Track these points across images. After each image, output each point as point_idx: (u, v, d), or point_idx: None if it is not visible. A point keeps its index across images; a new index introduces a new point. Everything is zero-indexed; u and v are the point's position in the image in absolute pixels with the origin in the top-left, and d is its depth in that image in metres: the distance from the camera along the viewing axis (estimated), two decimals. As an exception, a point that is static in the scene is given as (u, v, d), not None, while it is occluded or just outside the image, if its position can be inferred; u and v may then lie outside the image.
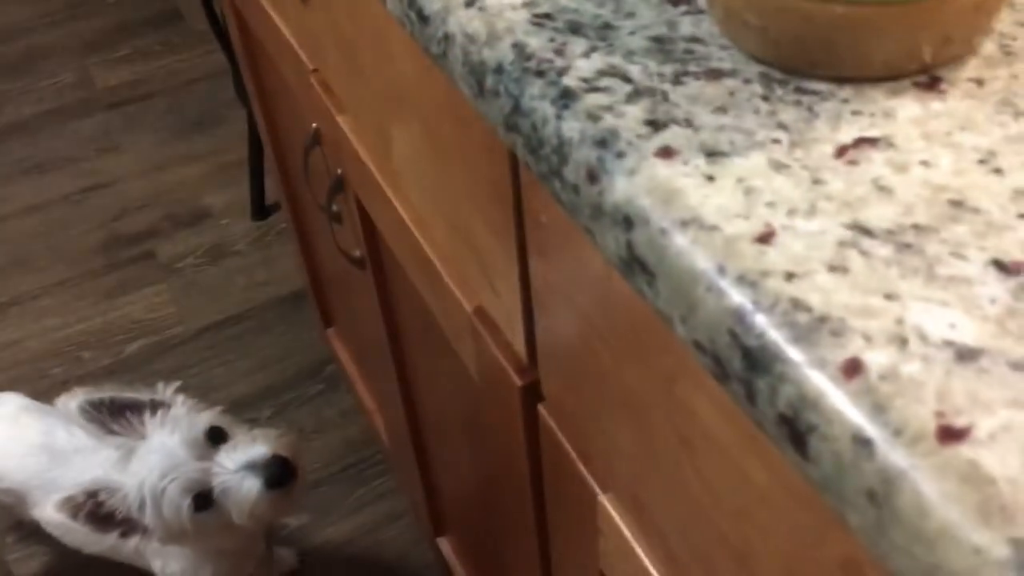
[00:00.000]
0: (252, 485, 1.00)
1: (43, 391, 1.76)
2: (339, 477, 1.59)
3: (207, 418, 1.05)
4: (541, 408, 0.62)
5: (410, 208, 0.74)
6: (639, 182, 0.36)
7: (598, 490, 0.56)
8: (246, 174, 2.05)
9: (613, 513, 0.55)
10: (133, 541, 1.04)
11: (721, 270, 0.33)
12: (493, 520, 0.92)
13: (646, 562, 0.52)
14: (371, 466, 1.61)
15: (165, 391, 1.09)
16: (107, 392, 1.05)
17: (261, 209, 2.09)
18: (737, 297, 0.32)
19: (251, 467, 1.00)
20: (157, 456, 1.00)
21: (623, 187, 0.36)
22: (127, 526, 1.02)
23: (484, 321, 0.66)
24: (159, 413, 1.05)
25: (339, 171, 0.91)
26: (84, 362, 1.83)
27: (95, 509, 1.00)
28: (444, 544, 1.29)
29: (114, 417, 1.05)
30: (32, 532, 1.40)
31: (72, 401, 1.04)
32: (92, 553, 1.24)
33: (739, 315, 0.32)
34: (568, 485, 0.61)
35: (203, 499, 1.00)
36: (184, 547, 1.15)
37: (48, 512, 0.99)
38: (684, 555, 0.48)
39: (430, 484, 1.21)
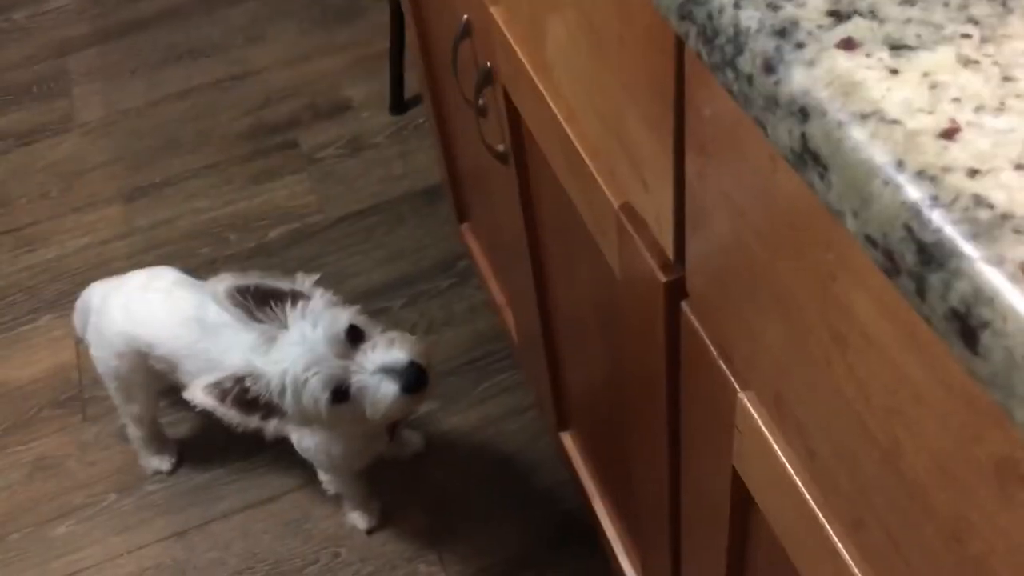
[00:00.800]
0: (389, 389, 1.05)
1: (193, 268, 1.87)
2: (466, 368, 1.65)
3: (348, 316, 1.09)
4: (684, 305, 0.62)
5: (561, 101, 0.75)
6: (818, 74, 0.35)
7: (738, 388, 0.57)
8: (386, 67, 2.08)
9: (752, 411, 0.56)
10: (273, 423, 1.11)
11: (900, 165, 0.32)
12: (621, 416, 0.95)
13: (783, 459, 0.53)
14: (497, 360, 1.66)
15: (305, 282, 1.14)
16: (252, 279, 1.10)
17: (399, 103, 2.12)
18: (915, 192, 0.32)
19: (388, 371, 1.05)
20: (300, 348, 1.05)
21: (801, 78, 0.36)
22: (268, 410, 1.09)
23: (631, 217, 0.67)
24: (300, 305, 1.09)
25: (488, 63, 0.92)
26: (230, 244, 1.92)
27: (241, 394, 1.06)
28: (567, 439, 1.32)
29: (258, 305, 1.10)
30: (182, 399, 1.50)
31: (220, 284, 1.09)
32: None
33: (916, 210, 0.31)
34: (706, 383, 0.62)
35: (340, 393, 1.06)
36: (318, 430, 1.24)
37: (197, 395, 1.05)
38: (825, 453, 0.49)
39: (557, 379, 1.24)
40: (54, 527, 1.53)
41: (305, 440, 1.30)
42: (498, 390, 1.62)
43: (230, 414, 1.06)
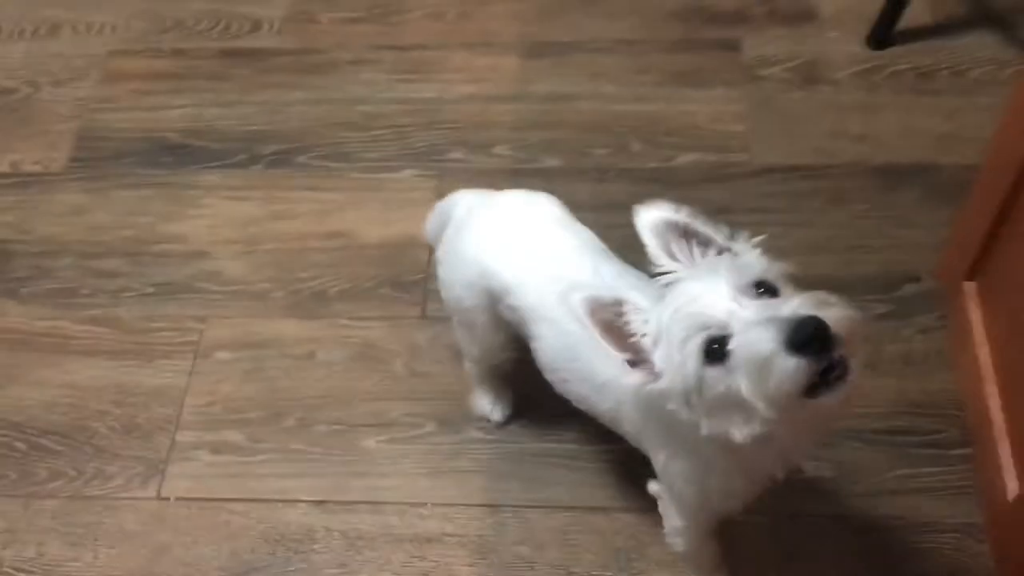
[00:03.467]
0: (765, 338, 0.75)
1: (579, 171, 1.57)
2: (880, 439, 1.28)
3: (760, 267, 0.83)
4: None
5: None
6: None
7: None
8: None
9: None
10: (637, 375, 0.86)
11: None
12: None
13: None
14: (929, 445, 1.27)
15: (742, 242, 0.88)
16: (685, 217, 0.88)
17: (883, 34, 1.66)
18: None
19: (773, 320, 0.75)
20: (690, 287, 0.83)
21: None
22: (636, 353, 0.86)
23: None
24: (718, 255, 0.87)
25: None
26: (631, 155, 1.59)
27: (613, 317, 0.86)
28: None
29: (678, 240, 0.88)
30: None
31: (651, 213, 0.87)
32: (581, 407, 1.10)
33: None
34: None
35: (715, 349, 0.79)
36: (691, 446, 0.96)
37: (573, 300, 0.85)
38: None
39: None
40: (363, 436, 1.35)
41: (674, 464, 1.02)
42: (919, 486, 1.25)
43: (595, 332, 0.86)
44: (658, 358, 0.84)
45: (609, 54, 1.72)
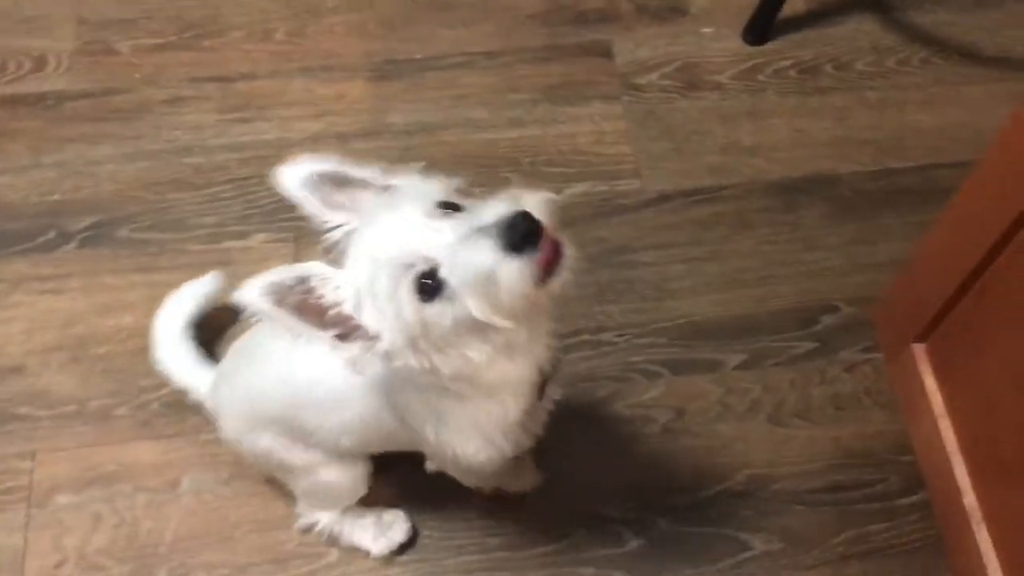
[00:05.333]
0: (480, 252, 0.71)
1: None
2: (821, 498, 1.20)
3: (436, 189, 0.78)
4: None
5: None
6: None
7: None
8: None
9: None
10: (352, 347, 0.77)
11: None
12: None
13: None
14: (876, 498, 1.20)
15: (401, 173, 0.82)
16: (335, 166, 0.80)
17: (761, 27, 1.53)
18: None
19: (480, 232, 0.72)
20: (373, 234, 0.77)
21: None
22: (341, 324, 0.77)
23: None
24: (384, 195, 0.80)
25: None
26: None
27: (303, 296, 0.76)
28: None
29: (336, 191, 0.80)
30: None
31: (293, 172, 0.79)
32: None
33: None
34: None
35: (428, 283, 0.74)
36: (441, 386, 0.85)
37: (249, 294, 0.73)
38: None
39: None
40: (255, 579, 1.15)
41: (441, 429, 0.90)
42: (868, 549, 1.18)
43: (289, 321, 0.75)
44: (368, 319, 0.76)
45: (470, 70, 1.52)
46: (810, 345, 1.30)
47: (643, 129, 1.47)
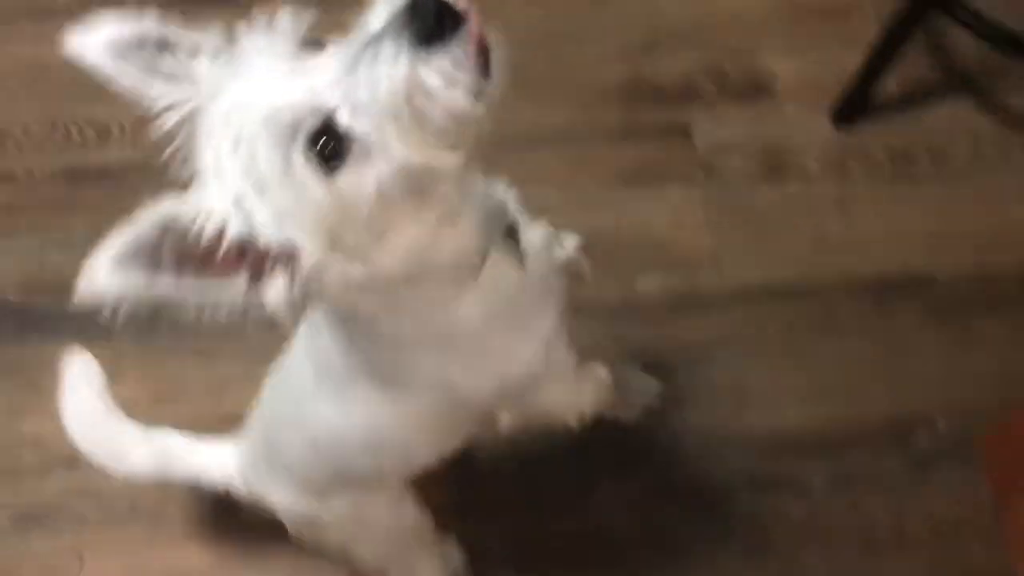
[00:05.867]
0: (383, 57, 0.53)
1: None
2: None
3: (296, 24, 0.59)
4: None
5: None
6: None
7: None
8: (856, 50, 1.39)
9: None
10: (275, 284, 0.58)
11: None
12: None
13: None
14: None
15: (242, 26, 0.60)
16: (154, 26, 0.62)
17: (853, 106, 1.44)
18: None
19: (375, 40, 0.54)
20: (227, 102, 0.57)
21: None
22: (247, 261, 0.58)
23: None
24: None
25: None
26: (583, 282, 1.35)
27: (182, 244, 0.57)
28: None
29: (158, 59, 0.61)
30: None
31: (94, 36, 0.60)
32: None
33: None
34: None
35: (329, 146, 0.55)
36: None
37: (91, 285, 0.55)
38: None
39: None
40: None
41: (465, 362, 0.74)
42: None
43: (177, 291, 0.56)
44: (265, 227, 0.56)
45: (542, 149, 1.45)
46: (904, 463, 1.22)
47: (723, 216, 1.39)
